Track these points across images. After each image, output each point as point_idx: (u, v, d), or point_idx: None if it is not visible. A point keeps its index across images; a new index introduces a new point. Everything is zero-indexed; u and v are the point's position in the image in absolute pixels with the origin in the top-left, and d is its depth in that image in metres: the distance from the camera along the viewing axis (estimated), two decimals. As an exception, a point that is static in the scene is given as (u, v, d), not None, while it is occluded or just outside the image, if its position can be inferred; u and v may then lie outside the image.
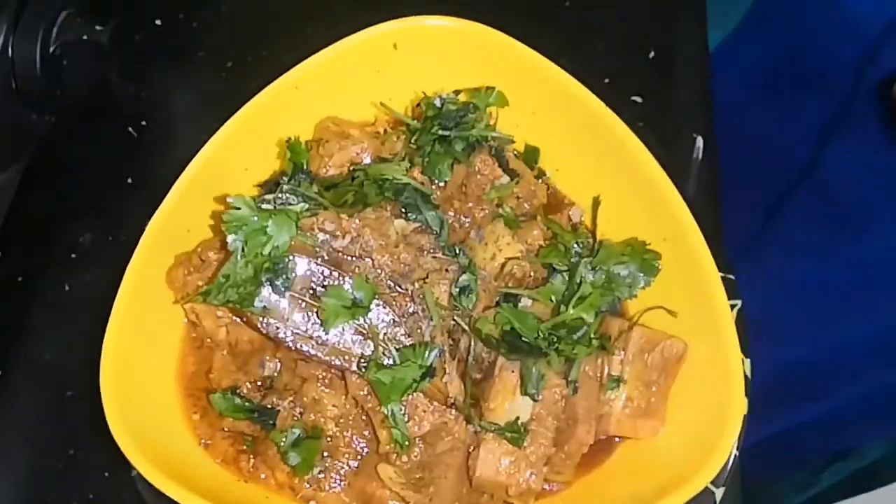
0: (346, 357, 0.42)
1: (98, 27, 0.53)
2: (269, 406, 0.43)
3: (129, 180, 0.57)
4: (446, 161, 0.47)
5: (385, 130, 0.50)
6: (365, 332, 0.42)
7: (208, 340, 0.46)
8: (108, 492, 0.49)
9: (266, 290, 0.41)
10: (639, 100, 0.63)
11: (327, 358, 0.42)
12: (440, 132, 0.47)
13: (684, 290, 0.45)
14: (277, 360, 0.45)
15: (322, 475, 0.42)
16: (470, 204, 0.47)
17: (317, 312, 0.41)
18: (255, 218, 0.40)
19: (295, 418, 0.43)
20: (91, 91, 0.57)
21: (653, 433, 0.44)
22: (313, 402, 0.43)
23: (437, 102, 0.48)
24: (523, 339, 0.42)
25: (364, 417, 0.43)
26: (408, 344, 0.42)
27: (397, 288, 0.43)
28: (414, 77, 0.50)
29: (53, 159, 0.57)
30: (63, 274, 0.55)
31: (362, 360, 0.42)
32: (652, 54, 0.65)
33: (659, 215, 0.46)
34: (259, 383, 0.45)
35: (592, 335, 0.43)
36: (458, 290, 0.44)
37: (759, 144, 0.70)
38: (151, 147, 0.58)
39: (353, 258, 0.42)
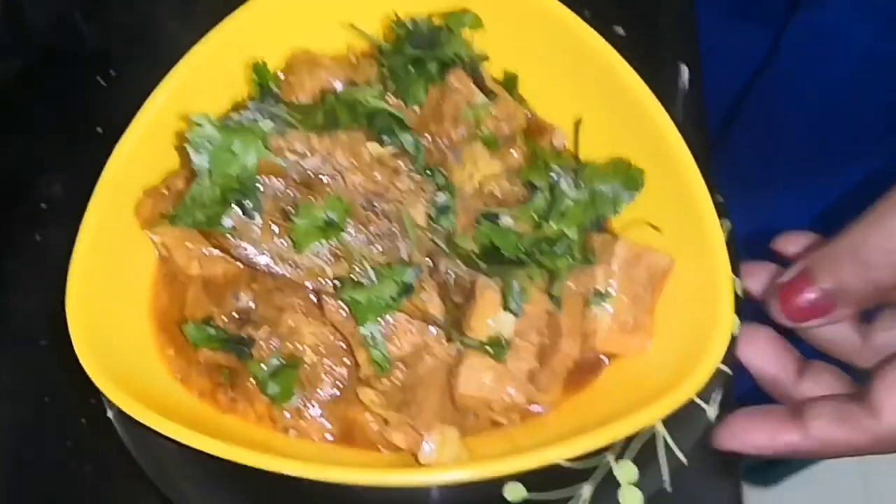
0: (322, 279, 0.40)
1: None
2: (246, 336, 0.42)
3: (99, 129, 0.56)
4: (420, 83, 0.46)
5: (357, 59, 0.49)
6: (340, 252, 0.40)
7: (181, 275, 0.44)
8: (87, 438, 0.48)
9: (234, 211, 0.40)
10: (621, 31, 0.61)
11: (302, 280, 0.40)
12: (412, 53, 0.46)
13: (672, 208, 0.44)
14: (252, 292, 0.43)
15: (302, 404, 0.41)
16: (446, 125, 0.45)
17: (289, 234, 0.40)
18: (220, 136, 0.39)
19: (272, 348, 0.41)
20: (56, 36, 0.56)
21: (640, 349, 0.43)
22: (290, 330, 0.41)
23: (409, 24, 0.47)
24: (504, 254, 0.41)
25: (343, 344, 0.42)
26: (384, 262, 0.41)
27: (372, 208, 0.41)
28: (386, 1, 0.48)
29: (20, 108, 0.56)
30: (34, 225, 0.54)
31: (338, 281, 0.40)
32: (633, -16, 0.64)
33: (645, 136, 0.45)
34: (235, 315, 0.43)
35: (576, 249, 0.42)
36: (435, 210, 0.43)
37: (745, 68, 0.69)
38: (120, 94, 0.57)
39: (326, 178, 0.41)
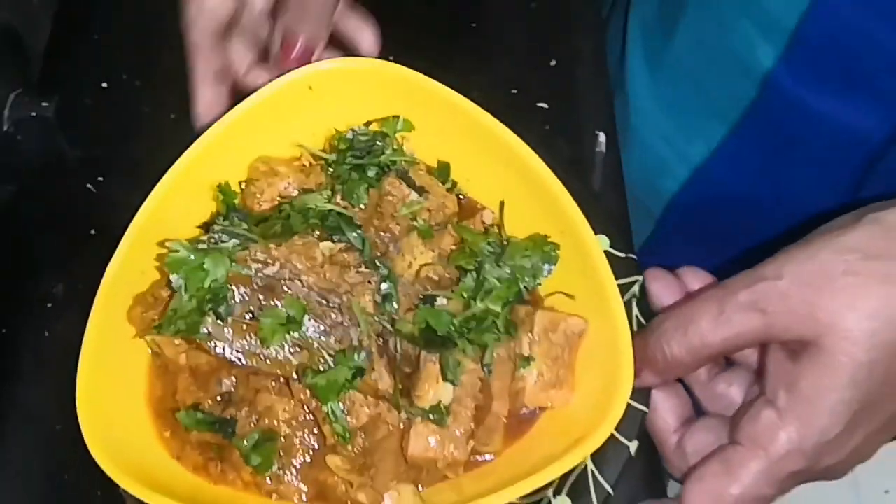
0: (287, 367, 0.48)
1: (44, 103, 0.60)
2: (229, 417, 0.50)
3: (92, 231, 0.64)
4: (361, 186, 0.54)
5: (309, 164, 0.57)
6: (301, 343, 0.48)
7: (171, 366, 0.52)
8: (103, 509, 0.56)
9: (210, 319, 0.47)
10: (545, 105, 0.69)
11: (271, 370, 0.48)
12: (354, 161, 0.54)
13: (581, 275, 0.52)
14: (233, 377, 0.51)
15: (281, 471, 0.49)
16: (387, 221, 0.53)
17: (257, 332, 0.48)
18: (193, 257, 0.47)
19: (252, 425, 0.49)
20: (48, 157, 0.64)
21: (564, 401, 0.51)
22: (266, 409, 0.49)
23: (349, 135, 0.55)
24: (438, 333, 0.49)
25: (311, 417, 0.49)
26: (339, 350, 0.48)
27: (325, 303, 0.49)
28: (329, 114, 0.56)
29: (20, 219, 0.64)
30: (42, 323, 0.62)
31: (301, 369, 0.48)
32: (554, 62, 0.71)
33: (554, 212, 0.53)
34: (219, 398, 0.51)
35: (500, 323, 0.50)
36: (381, 297, 0.51)
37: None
38: (109, 199, 0.65)
39: (285, 282, 0.49)
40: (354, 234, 0.52)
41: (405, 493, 0.47)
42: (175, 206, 0.54)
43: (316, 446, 0.49)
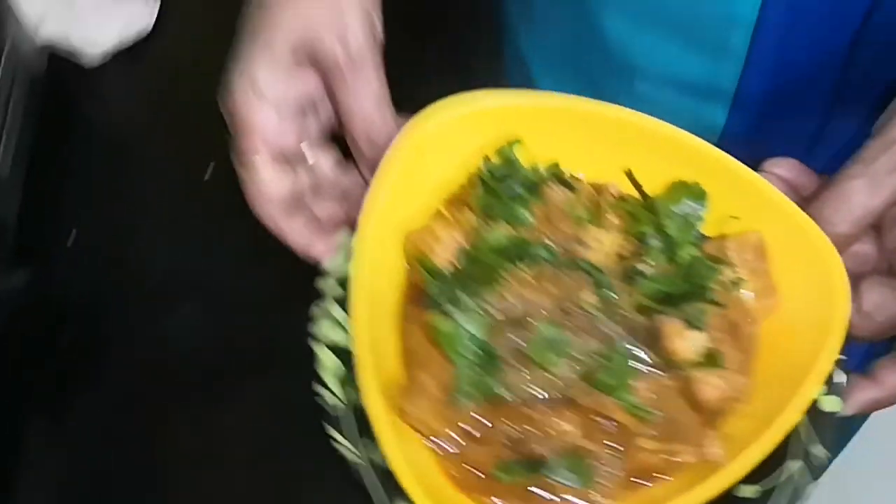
0: (572, 383, 0.51)
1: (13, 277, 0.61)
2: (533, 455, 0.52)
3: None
4: (520, 207, 0.57)
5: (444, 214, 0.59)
6: (569, 358, 0.51)
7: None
8: None
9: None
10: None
11: (560, 391, 0.51)
12: (501, 187, 0.57)
13: (734, 196, 0.56)
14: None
15: (601, 480, 0.52)
16: (558, 224, 0.57)
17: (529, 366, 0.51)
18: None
19: (557, 454, 0.51)
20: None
21: (774, 307, 0.56)
22: (561, 433, 0.52)
23: (483, 167, 0.58)
24: (673, 292, 0.53)
25: (602, 420, 0.52)
26: (600, 347, 0.52)
27: (565, 314, 0.52)
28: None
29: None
30: None
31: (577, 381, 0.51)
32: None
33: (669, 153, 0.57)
34: (507, 442, 0.53)
35: (706, 260, 0.55)
36: (598, 288, 0.54)
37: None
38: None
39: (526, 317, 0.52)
40: (540, 252, 0.55)
41: (713, 437, 0.51)
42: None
43: (619, 447, 0.52)
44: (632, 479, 0.52)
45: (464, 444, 0.52)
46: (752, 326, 0.54)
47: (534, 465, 0.52)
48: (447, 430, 0.51)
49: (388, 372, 0.52)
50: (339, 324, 0.52)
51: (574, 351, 0.51)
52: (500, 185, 0.56)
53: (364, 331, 0.50)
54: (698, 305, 0.53)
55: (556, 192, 0.56)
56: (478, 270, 0.54)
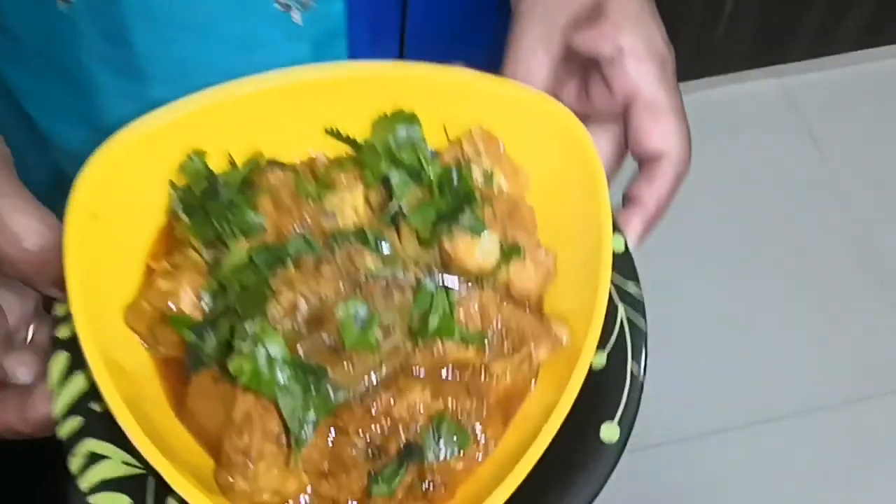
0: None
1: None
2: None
3: None
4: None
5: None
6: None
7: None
8: None
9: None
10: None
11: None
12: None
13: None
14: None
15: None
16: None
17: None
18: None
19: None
20: None
21: (528, 183, 0.54)
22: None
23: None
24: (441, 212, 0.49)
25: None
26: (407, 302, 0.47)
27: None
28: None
29: None
30: None
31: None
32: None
33: None
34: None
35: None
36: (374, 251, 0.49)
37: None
38: None
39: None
40: (295, 246, 0.48)
41: (550, 321, 0.49)
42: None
43: (475, 389, 0.48)
44: (503, 411, 0.48)
45: (328, 485, 0.44)
46: (522, 207, 0.52)
47: (410, 456, 0.46)
48: (302, 481, 0.44)
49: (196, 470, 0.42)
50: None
51: (383, 317, 0.45)
52: (207, 203, 0.48)
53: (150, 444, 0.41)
54: (469, 213, 0.50)
55: (273, 177, 0.50)
56: (243, 297, 0.46)
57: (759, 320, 1.65)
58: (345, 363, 0.43)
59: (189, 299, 0.47)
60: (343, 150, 0.53)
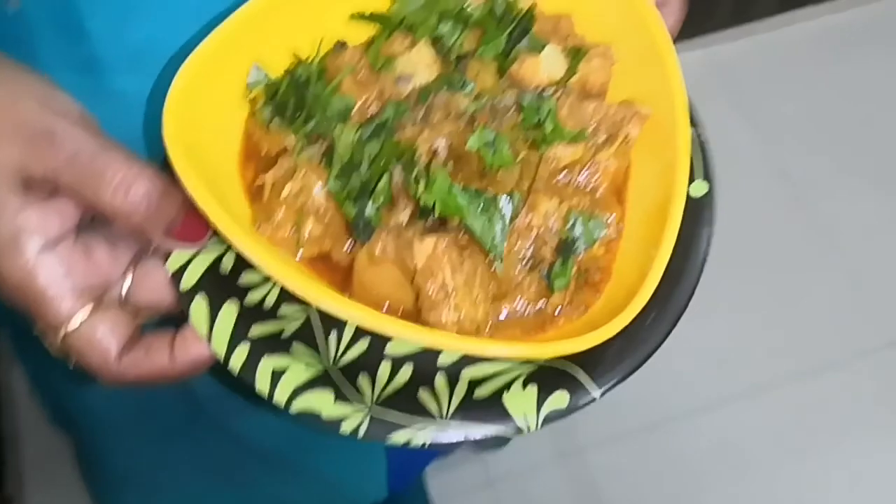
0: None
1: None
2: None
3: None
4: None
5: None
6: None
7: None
8: None
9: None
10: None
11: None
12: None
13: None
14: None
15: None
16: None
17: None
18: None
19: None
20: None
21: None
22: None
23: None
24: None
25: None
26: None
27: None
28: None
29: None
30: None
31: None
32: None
33: None
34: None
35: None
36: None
37: None
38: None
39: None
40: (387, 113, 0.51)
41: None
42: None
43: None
44: (616, 193, 0.53)
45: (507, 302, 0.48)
46: (561, 18, 0.56)
47: (567, 250, 0.50)
48: (486, 309, 0.48)
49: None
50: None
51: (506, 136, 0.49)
52: (296, 101, 0.50)
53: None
54: (525, 35, 0.54)
55: (346, 57, 0.52)
56: (378, 164, 0.48)
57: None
58: (496, 181, 0.47)
59: (321, 192, 0.49)
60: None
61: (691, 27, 1.86)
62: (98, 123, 0.47)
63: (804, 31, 1.88)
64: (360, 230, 0.46)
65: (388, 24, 0.54)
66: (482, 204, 0.45)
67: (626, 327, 0.44)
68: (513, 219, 0.46)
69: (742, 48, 1.86)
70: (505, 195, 0.46)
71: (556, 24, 0.55)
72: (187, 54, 0.48)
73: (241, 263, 0.48)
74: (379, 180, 0.46)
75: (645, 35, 0.53)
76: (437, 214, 0.45)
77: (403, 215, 0.47)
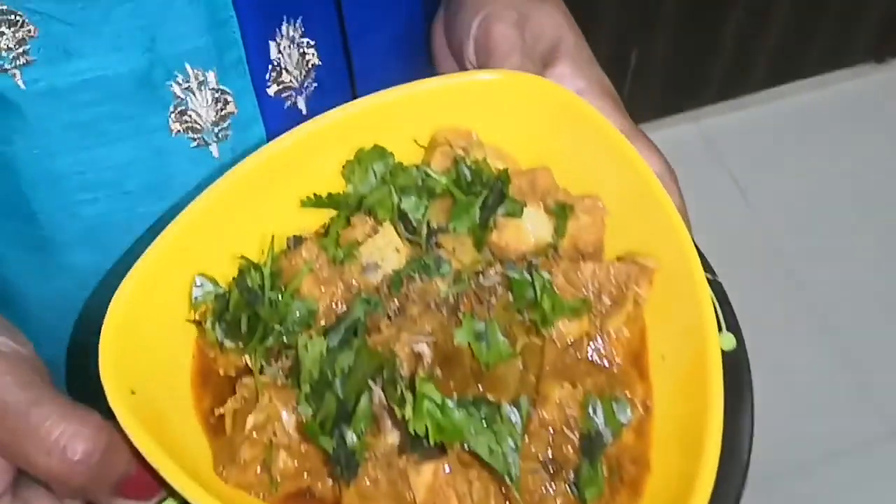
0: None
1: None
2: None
3: None
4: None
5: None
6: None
7: None
8: None
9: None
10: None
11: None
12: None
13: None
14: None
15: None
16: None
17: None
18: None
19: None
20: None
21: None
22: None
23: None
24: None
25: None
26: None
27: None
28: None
29: None
30: None
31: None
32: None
33: None
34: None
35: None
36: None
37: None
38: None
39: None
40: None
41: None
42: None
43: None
44: (637, 366, 0.45)
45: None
46: (537, 173, 0.50)
47: (592, 448, 0.42)
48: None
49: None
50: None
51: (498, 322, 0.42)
52: (250, 316, 0.43)
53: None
54: (501, 199, 0.47)
55: (303, 254, 0.45)
56: (356, 378, 0.40)
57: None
58: (496, 380, 0.39)
59: (290, 421, 0.41)
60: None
61: (682, 100, 1.88)
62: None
63: (794, 104, 1.91)
64: (342, 466, 0.38)
65: (344, 208, 0.47)
66: (484, 418, 0.37)
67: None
68: (524, 428, 0.38)
69: (733, 121, 1.87)
70: (508, 405, 0.38)
71: (533, 179, 0.49)
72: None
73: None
74: (357, 401, 0.39)
75: (633, 177, 0.46)
76: (431, 442, 0.36)
77: (392, 437, 0.39)
